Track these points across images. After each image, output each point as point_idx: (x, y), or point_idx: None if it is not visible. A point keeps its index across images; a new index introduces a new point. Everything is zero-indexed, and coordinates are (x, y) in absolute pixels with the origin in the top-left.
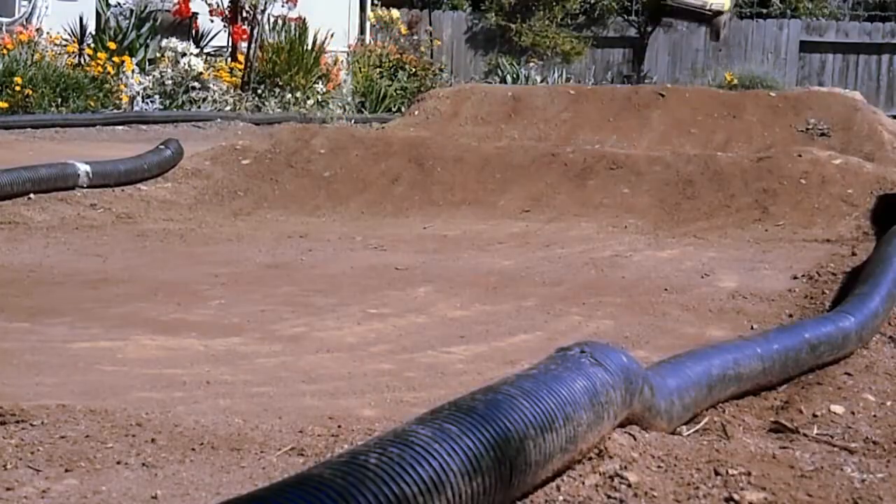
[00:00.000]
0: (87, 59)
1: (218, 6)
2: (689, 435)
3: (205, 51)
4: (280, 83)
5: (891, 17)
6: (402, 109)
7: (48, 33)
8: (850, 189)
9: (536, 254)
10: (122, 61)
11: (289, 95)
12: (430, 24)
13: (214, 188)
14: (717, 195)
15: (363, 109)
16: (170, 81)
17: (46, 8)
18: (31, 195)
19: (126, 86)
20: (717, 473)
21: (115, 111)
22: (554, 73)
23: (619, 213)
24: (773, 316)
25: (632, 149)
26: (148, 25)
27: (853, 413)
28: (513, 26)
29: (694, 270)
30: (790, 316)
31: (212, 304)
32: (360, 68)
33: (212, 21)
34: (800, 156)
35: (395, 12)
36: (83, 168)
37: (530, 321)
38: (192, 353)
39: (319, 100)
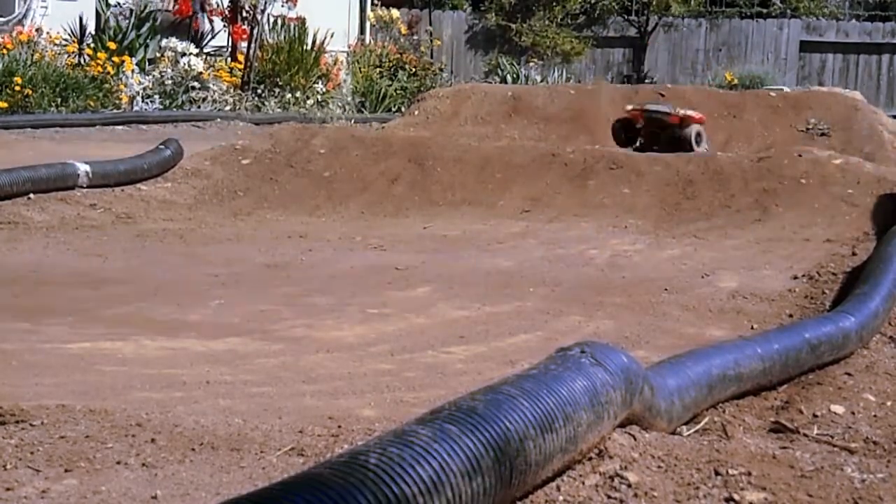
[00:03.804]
0: (87, 58)
1: (218, 6)
2: (689, 435)
3: (204, 51)
4: (280, 83)
5: (891, 17)
6: (402, 109)
7: (48, 33)
8: (850, 189)
9: (536, 254)
10: (122, 61)
11: (289, 95)
12: (430, 24)
13: (214, 188)
14: (717, 195)
15: (363, 109)
16: (169, 81)
17: (45, 8)
18: (31, 195)
19: (126, 86)
20: (717, 473)
21: (115, 111)
22: (554, 73)
23: (619, 213)
24: (773, 316)
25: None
26: (148, 25)
27: (853, 413)
28: (513, 26)
29: (694, 270)
30: (790, 316)
31: (211, 304)
32: (359, 68)
33: (211, 21)
34: (800, 156)
35: (395, 12)
36: (83, 168)
37: (530, 321)
38: (192, 353)
39: (319, 100)
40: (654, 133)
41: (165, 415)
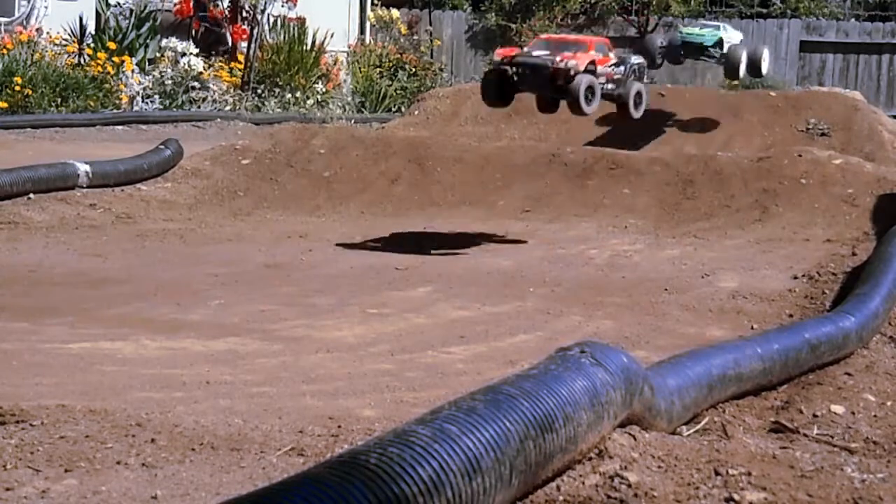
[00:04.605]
0: (87, 59)
1: (217, 6)
2: (689, 435)
3: (211, 55)
4: (280, 83)
5: (891, 17)
6: (402, 109)
7: (48, 33)
8: (850, 189)
9: (536, 254)
10: (122, 61)
11: (288, 95)
12: (430, 24)
13: (214, 188)
14: (717, 195)
15: (363, 109)
16: (169, 81)
17: (45, 8)
18: (31, 195)
19: (126, 86)
20: (717, 473)
21: (115, 111)
22: None
23: (619, 213)
24: (773, 316)
25: (632, 149)
26: (148, 25)
27: (853, 413)
28: (513, 26)
29: (694, 270)
30: (790, 316)
31: (211, 304)
32: (360, 68)
33: (211, 22)
34: (800, 156)
35: (395, 12)
36: (83, 168)
37: (530, 321)
38: (192, 353)
39: (319, 100)
40: (535, 87)
41: (165, 415)
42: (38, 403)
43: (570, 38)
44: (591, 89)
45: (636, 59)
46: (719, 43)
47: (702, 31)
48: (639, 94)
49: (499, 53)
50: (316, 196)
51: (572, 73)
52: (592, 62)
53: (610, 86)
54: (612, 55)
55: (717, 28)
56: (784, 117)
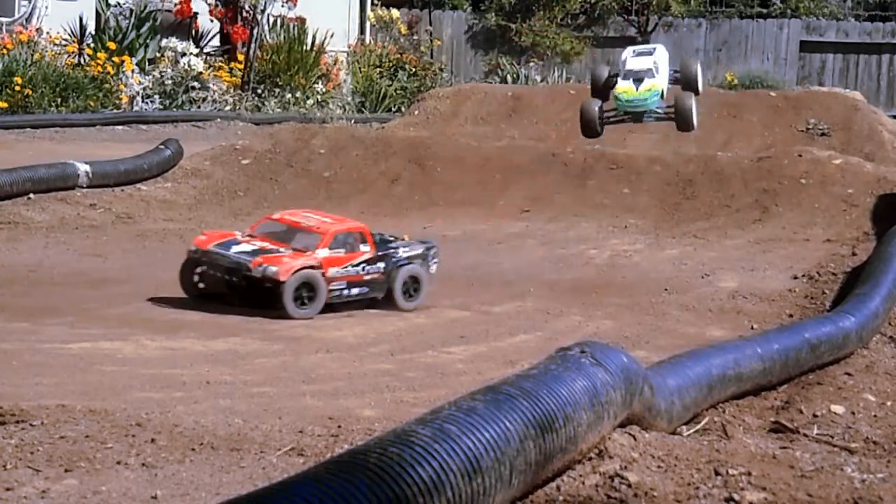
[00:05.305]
0: (87, 59)
1: (217, 6)
2: (689, 435)
3: (204, 51)
4: (280, 83)
5: (891, 17)
6: (402, 109)
7: (48, 33)
8: (850, 189)
9: (536, 254)
10: (122, 61)
11: (288, 95)
12: (430, 24)
13: (214, 188)
14: (717, 195)
15: (363, 109)
16: (169, 81)
17: (46, 8)
18: (31, 195)
19: (126, 85)
20: (717, 473)
21: (115, 111)
22: (554, 73)
23: (619, 213)
24: (773, 316)
25: (632, 149)
26: (148, 25)
27: (853, 413)
28: (513, 26)
29: (694, 270)
30: (790, 316)
31: (211, 304)
32: (360, 68)
33: (212, 21)
34: (800, 156)
35: (395, 12)
36: (83, 168)
37: (530, 321)
38: (192, 353)
39: (319, 100)
40: (233, 287)
41: (165, 415)
42: (38, 403)
43: (305, 224)
44: (300, 298)
45: (408, 251)
46: (662, 94)
47: (642, 94)
48: (413, 279)
49: (196, 241)
50: (316, 196)
51: (272, 280)
52: (317, 265)
53: (355, 290)
54: (365, 247)
55: (651, 72)
56: (784, 117)
